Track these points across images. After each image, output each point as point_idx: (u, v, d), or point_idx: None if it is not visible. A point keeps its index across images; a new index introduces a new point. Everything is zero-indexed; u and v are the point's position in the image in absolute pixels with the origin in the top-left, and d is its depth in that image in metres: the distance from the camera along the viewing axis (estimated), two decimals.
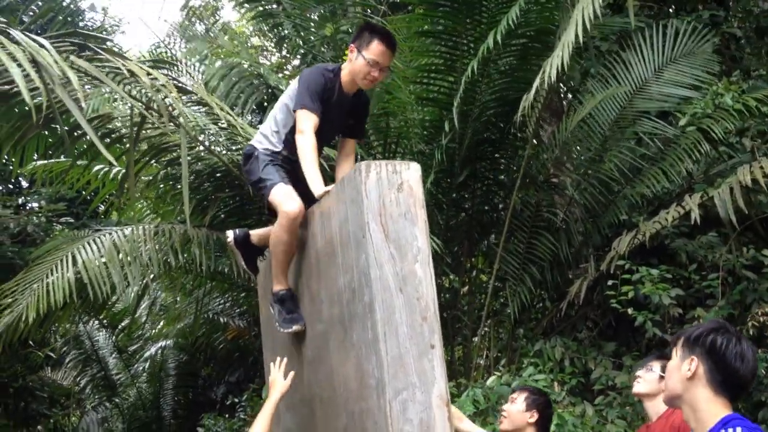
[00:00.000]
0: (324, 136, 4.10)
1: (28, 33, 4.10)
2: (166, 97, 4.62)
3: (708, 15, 9.35)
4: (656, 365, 4.09)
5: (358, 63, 3.98)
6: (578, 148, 8.31)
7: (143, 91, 5.56)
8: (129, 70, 4.27)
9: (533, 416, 4.09)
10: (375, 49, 3.94)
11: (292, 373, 3.71)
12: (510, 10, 6.59)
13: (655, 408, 4.10)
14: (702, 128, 7.25)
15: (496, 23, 6.74)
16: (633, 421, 6.22)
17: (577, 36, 5.71)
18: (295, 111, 3.96)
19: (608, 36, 9.02)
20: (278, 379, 3.70)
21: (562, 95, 9.80)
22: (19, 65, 3.69)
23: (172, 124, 5.67)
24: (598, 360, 7.06)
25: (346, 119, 4.22)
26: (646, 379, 4.12)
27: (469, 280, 8.73)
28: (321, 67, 4.13)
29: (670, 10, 9.51)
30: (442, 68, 7.57)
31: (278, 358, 3.78)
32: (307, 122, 3.88)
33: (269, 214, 4.14)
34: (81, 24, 12.98)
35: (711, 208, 6.53)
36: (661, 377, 3.90)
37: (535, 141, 8.39)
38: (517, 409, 4.13)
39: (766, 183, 5.94)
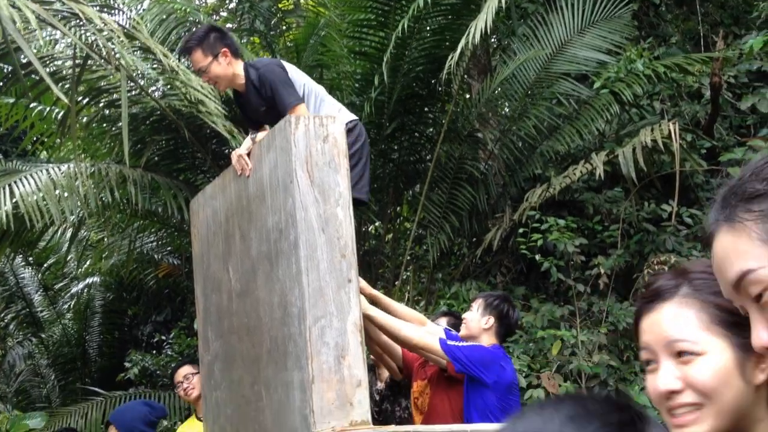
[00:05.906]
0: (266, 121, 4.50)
1: None
2: (110, 39, 4.82)
3: None
4: (442, 320, 4.57)
5: None
6: (501, 104, 8.74)
7: (85, 32, 5.72)
8: (84, 15, 4.47)
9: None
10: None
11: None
12: None
13: None
14: (614, 91, 7.75)
15: None
16: (535, 356, 6.80)
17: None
18: None
19: None
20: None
21: (490, 53, 10.19)
22: None
23: (112, 66, 5.85)
24: None
25: (260, 107, 4.39)
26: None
27: (394, 227, 9.15)
28: None
29: None
30: (375, 24, 7.84)
31: None
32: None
33: None
34: None
35: (617, 165, 7.08)
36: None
37: (463, 95, 8.79)
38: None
39: (665, 143, 6.51)
